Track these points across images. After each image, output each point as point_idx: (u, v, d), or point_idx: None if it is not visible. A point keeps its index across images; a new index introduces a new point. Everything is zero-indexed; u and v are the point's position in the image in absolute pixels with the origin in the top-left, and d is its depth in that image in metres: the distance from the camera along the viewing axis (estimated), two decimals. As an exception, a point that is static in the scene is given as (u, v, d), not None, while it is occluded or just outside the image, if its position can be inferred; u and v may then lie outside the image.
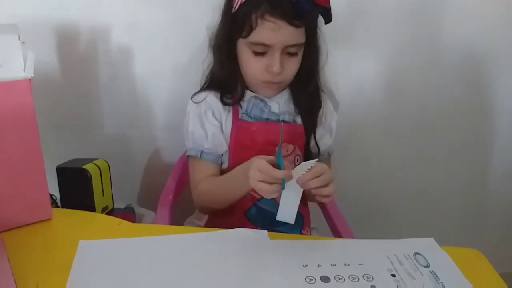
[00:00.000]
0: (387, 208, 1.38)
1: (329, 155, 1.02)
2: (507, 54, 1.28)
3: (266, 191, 0.71)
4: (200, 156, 0.92)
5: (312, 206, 1.05)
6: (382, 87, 1.24)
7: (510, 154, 1.41)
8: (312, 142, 0.97)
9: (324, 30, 0.92)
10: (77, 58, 1.07)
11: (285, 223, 0.74)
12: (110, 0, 1.03)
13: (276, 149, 0.75)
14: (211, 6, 0.93)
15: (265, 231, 0.74)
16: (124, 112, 1.13)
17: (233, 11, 0.87)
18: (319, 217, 1.06)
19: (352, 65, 1.20)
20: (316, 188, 0.71)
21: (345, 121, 1.23)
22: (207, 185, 0.90)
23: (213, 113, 0.92)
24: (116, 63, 1.09)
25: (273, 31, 0.82)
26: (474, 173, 1.42)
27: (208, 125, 0.91)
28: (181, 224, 1.02)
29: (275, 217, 0.74)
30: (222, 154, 0.93)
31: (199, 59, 0.98)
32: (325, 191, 0.73)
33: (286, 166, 0.72)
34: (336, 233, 0.98)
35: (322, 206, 1.06)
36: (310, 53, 0.92)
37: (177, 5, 1.06)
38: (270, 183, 0.71)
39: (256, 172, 0.72)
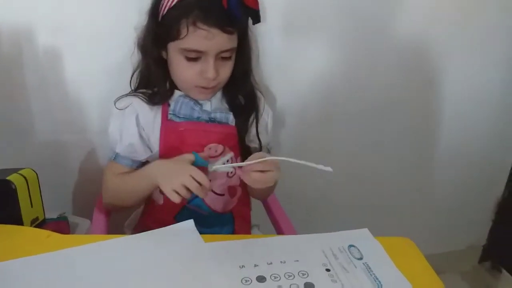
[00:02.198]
0: (329, 201, 1.41)
1: (269, 151, 1.02)
2: (456, 43, 1.32)
3: (175, 199, 0.76)
4: (114, 159, 0.92)
5: (255, 204, 1.06)
6: (324, 79, 1.25)
7: (451, 140, 1.48)
8: (248, 140, 0.96)
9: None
10: (-1, 61, 1.00)
11: (216, 224, 0.79)
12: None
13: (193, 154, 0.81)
14: (138, 5, 0.90)
15: (191, 221, 0.76)
16: (55, 117, 1.07)
17: (161, 13, 0.84)
18: (262, 214, 1.06)
19: (290, 58, 1.20)
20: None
21: (284, 115, 1.24)
22: (114, 179, 0.91)
23: (136, 118, 0.90)
24: (44, 65, 1.03)
25: (207, 39, 0.81)
26: (414, 161, 1.49)
27: (126, 133, 0.90)
28: (121, 228, 0.99)
29: (205, 218, 0.75)
30: (146, 159, 0.93)
31: (132, 58, 0.96)
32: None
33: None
34: (278, 229, 0.99)
35: (264, 203, 1.07)
36: (243, 55, 0.92)
37: (106, 2, 1.02)
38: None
39: (188, 179, 0.75)
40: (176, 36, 0.82)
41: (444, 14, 1.28)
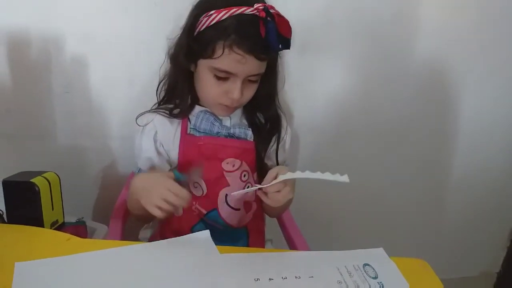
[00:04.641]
0: (343, 220, 1.40)
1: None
2: (472, 70, 1.33)
3: (159, 215, 0.76)
4: (137, 173, 0.93)
5: (269, 218, 1.06)
6: (340, 99, 1.26)
7: (466, 165, 1.47)
8: (265, 157, 0.97)
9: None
10: (28, 66, 1.03)
11: (231, 238, 0.80)
12: (62, 7, 1.01)
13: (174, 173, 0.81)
14: (172, 16, 0.92)
15: (207, 231, 0.77)
16: (78, 122, 1.10)
17: (198, 29, 0.85)
18: (275, 229, 1.06)
19: (308, 77, 1.21)
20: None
21: (300, 133, 1.25)
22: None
23: (155, 135, 0.92)
24: (70, 72, 1.06)
25: (240, 63, 0.82)
26: (429, 184, 1.48)
27: (144, 149, 0.92)
28: (136, 237, 1.00)
29: (221, 232, 0.76)
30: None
31: (156, 68, 0.97)
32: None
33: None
34: (292, 245, 0.98)
35: (278, 218, 1.08)
36: (270, 78, 0.93)
37: (134, 13, 1.05)
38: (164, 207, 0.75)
39: (165, 192, 0.75)
40: (210, 55, 0.83)
41: (462, 39, 1.28)
